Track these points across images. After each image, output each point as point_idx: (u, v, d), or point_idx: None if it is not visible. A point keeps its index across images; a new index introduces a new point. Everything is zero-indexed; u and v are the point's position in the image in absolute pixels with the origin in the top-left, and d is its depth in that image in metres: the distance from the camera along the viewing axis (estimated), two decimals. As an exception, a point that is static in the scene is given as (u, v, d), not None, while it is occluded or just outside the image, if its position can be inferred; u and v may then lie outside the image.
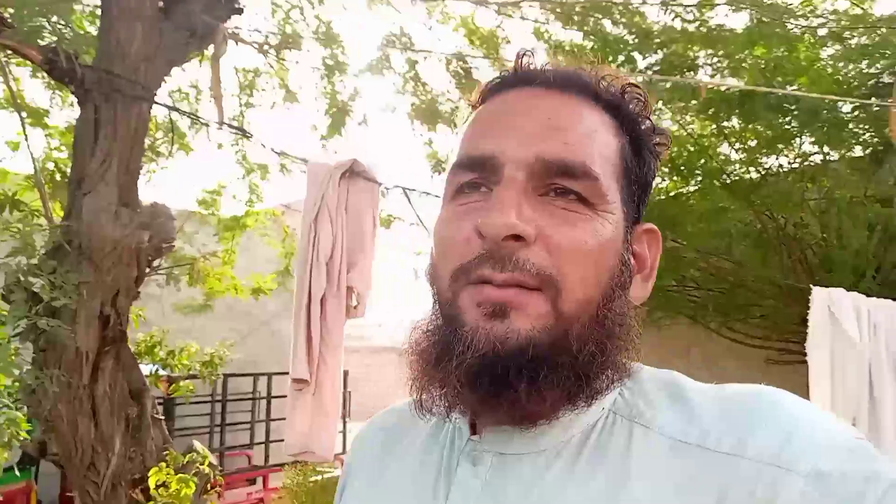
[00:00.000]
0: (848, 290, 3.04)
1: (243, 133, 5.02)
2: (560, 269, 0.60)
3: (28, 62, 3.74)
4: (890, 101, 4.19)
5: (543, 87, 0.66)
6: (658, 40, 5.38)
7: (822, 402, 2.98)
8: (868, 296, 3.09)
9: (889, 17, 4.86)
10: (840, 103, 4.59)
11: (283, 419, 3.20)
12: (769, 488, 0.52)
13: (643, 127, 0.70)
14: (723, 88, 4.92)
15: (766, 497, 0.52)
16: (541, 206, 0.61)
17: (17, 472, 4.25)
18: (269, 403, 8.06)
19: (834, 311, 2.92)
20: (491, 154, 0.63)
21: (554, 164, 0.62)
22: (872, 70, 4.93)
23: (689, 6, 5.20)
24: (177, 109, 4.84)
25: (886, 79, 4.78)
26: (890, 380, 2.89)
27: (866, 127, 4.95)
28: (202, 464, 3.56)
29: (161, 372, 5.64)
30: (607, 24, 5.64)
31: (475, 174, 0.65)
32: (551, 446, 0.63)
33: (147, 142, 3.93)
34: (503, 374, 0.58)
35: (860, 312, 2.93)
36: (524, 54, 0.69)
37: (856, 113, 4.84)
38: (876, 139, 4.93)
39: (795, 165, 5.46)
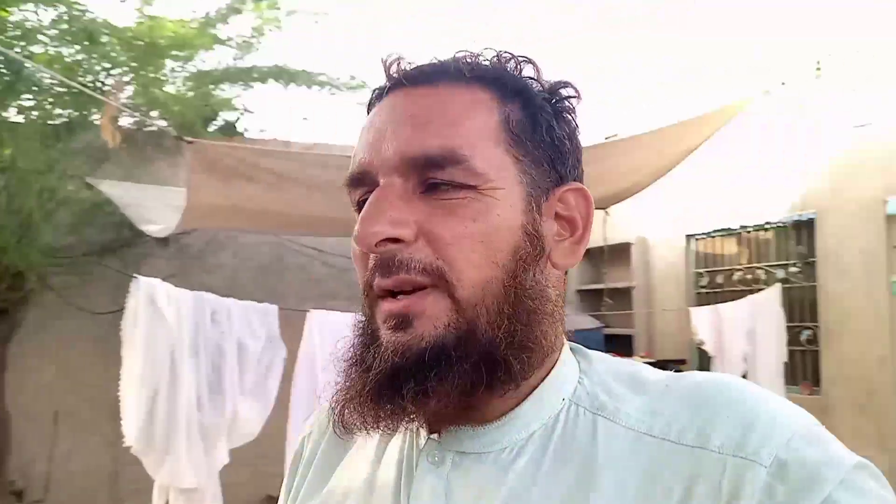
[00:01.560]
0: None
1: None
2: (447, 258, 0.60)
3: None
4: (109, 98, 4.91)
5: (408, 86, 0.66)
6: None
7: (132, 373, 3.49)
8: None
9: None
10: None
11: None
12: (734, 479, 0.53)
13: (536, 89, 0.68)
14: None
15: (731, 488, 0.53)
16: (421, 203, 0.61)
17: None
18: None
19: (154, 297, 3.50)
20: (365, 168, 0.64)
21: (417, 159, 0.61)
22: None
23: None
24: None
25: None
26: (187, 357, 3.62)
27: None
28: None
29: None
30: None
31: (362, 188, 0.65)
32: (513, 443, 0.63)
33: None
34: (403, 383, 0.58)
35: (170, 299, 3.59)
36: (392, 62, 0.68)
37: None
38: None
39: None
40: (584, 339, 6.46)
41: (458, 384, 0.59)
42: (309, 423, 0.85)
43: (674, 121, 5.79)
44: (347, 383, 0.63)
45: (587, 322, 6.82)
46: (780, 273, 6.10)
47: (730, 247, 6.76)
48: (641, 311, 7.35)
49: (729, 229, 6.63)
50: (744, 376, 4.85)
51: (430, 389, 0.58)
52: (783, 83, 6.00)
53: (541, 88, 0.69)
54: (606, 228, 6.08)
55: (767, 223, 6.26)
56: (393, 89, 0.67)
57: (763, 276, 6.30)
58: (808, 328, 5.83)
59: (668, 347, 6.96)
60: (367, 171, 0.64)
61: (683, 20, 6.92)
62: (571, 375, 0.67)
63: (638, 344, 7.31)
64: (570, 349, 0.70)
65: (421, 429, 0.67)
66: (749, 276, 6.43)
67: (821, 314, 5.69)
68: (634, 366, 0.69)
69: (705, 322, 5.05)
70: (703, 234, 6.92)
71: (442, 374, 0.58)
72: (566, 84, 0.70)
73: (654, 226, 7.26)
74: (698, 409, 0.59)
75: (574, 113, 0.71)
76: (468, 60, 0.67)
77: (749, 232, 6.50)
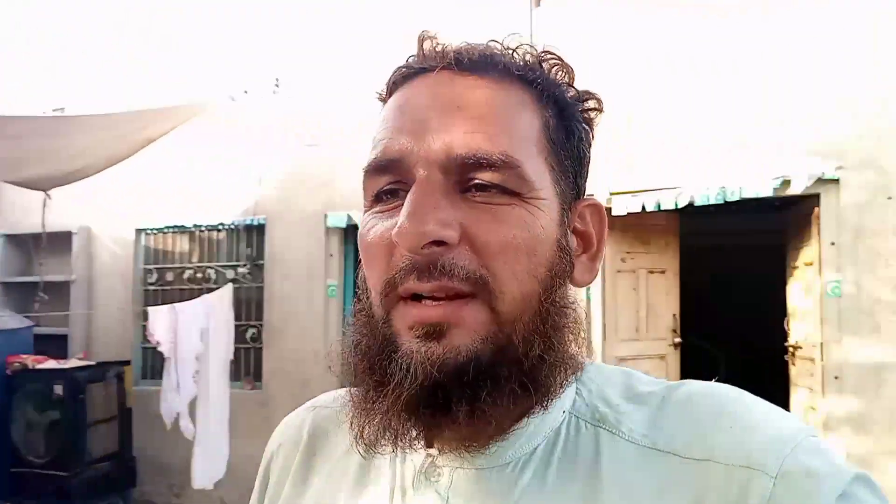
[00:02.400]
0: None
1: None
2: (491, 268, 0.56)
3: None
4: None
5: (449, 70, 0.61)
6: None
7: None
8: None
9: None
10: None
11: None
12: (741, 490, 0.54)
13: (568, 96, 0.65)
14: None
15: (738, 497, 0.53)
16: (463, 203, 0.57)
17: None
18: None
19: None
20: (399, 155, 0.59)
21: (467, 157, 0.57)
22: None
23: None
24: None
25: None
26: None
27: None
28: None
29: None
30: None
31: (390, 177, 0.60)
32: (516, 458, 0.61)
33: None
34: (444, 401, 0.54)
35: None
36: (426, 38, 0.63)
37: None
38: None
39: None
40: (7, 341, 5.55)
41: (508, 406, 0.56)
42: (278, 434, 0.80)
43: (136, 107, 5.45)
44: (366, 398, 0.58)
45: (15, 321, 5.77)
46: (231, 273, 6.31)
47: (182, 244, 6.67)
48: (81, 311, 6.63)
49: (182, 226, 6.54)
50: (196, 374, 4.84)
51: (486, 409, 0.55)
52: (246, 91, 6.27)
53: (572, 96, 0.66)
54: (46, 214, 5.28)
55: (221, 224, 6.40)
56: (430, 71, 0.62)
57: (213, 276, 6.41)
58: (254, 326, 6.18)
59: (111, 348, 6.45)
60: (402, 160, 0.58)
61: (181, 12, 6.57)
62: (570, 386, 0.64)
63: (74, 345, 6.56)
64: None
65: (416, 442, 0.61)
66: (200, 275, 6.46)
67: (266, 313, 6.10)
68: (625, 373, 0.67)
69: (162, 322, 4.84)
70: (155, 229, 6.65)
71: (495, 394, 0.55)
72: (592, 95, 0.67)
73: (101, 216, 6.65)
74: (700, 421, 0.58)
75: (593, 126, 0.68)
76: (513, 56, 0.63)
77: (202, 231, 6.54)
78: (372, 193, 0.62)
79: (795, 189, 4.77)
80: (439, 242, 0.55)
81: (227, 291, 5.44)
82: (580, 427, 0.62)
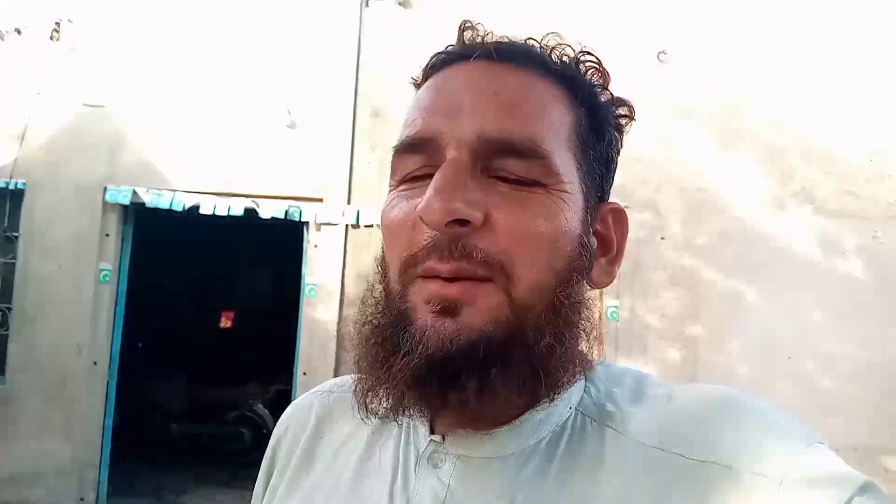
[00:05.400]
0: None
1: None
2: (511, 253, 0.56)
3: None
4: None
5: (487, 60, 0.61)
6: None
7: None
8: None
9: None
10: None
11: None
12: (746, 493, 0.53)
13: (602, 99, 0.66)
14: None
15: (743, 502, 0.53)
16: (489, 186, 0.58)
17: None
18: None
19: None
20: (431, 135, 0.59)
21: (498, 142, 0.58)
22: None
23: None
24: None
25: None
26: None
27: None
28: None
29: None
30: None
31: (419, 158, 0.60)
32: (520, 450, 0.60)
33: None
34: (453, 374, 0.54)
35: None
36: (466, 27, 0.64)
37: None
38: None
39: None
40: None
41: (517, 388, 0.57)
42: (286, 417, 0.80)
43: None
44: (375, 365, 0.58)
45: None
46: (-29, 243, 5.26)
47: None
48: None
49: None
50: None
51: (495, 388, 0.55)
52: (18, 31, 5.32)
53: (606, 100, 0.67)
54: None
55: (-36, 183, 5.31)
56: (468, 58, 0.62)
57: (-52, 244, 5.31)
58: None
59: None
60: (433, 140, 0.59)
61: None
62: (578, 383, 0.64)
63: None
64: None
65: (421, 427, 0.65)
66: (-73, 242, 5.30)
67: (16, 296, 5.17)
68: (635, 375, 0.67)
69: None
70: None
71: (505, 375, 0.56)
72: (625, 102, 0.68)
73: None
74: (707, 423, 0.58)
75: (623, 133, 0.69)
76: (544, 48, 0.64)
77: (-65, 188, 5.38)
78: (402, 175, 0.62)
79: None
80: (463, 222, 0.55)
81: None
82: (586, 424, 0.62)
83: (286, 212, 5.24)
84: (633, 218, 5.21)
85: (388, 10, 5.62)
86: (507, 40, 0.64)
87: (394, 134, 0.63)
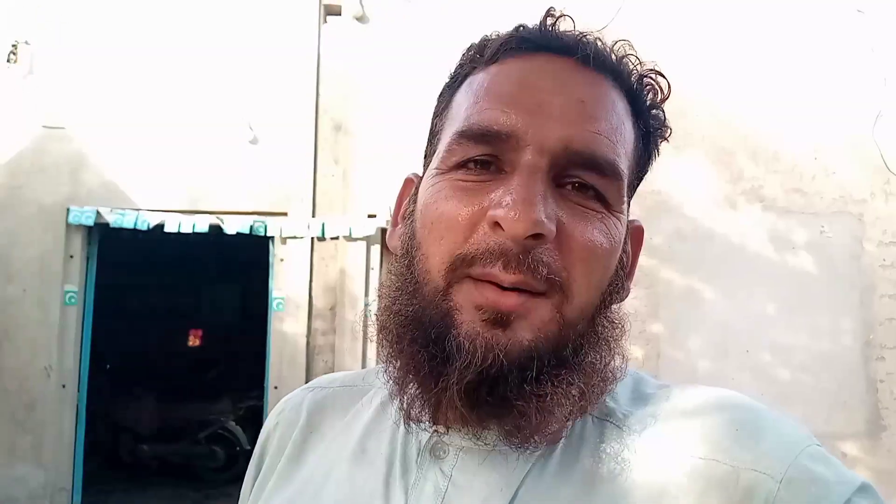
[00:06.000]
0: None
1: None
2: (571, 272, 0.56)
3: None
4: None
5: (574, 60, 0.59)
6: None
7: None
8: None
9: None
10: None
11: None
12: (745, 491, 0.54)
13: (654, 118, 0.64)
14: None
15: (742, 499, 0.54)
16: (560, 198, 0.57)
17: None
18: None
19: None
20: (511, 131, 0.56)
21: (583, 155, 0.56)
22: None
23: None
24: None
25: None
26: None
27: None
28: None
29: None
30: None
31: (487, 148, 0.57)
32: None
33: None
34: (506, 392, 0.54)
35: None
36: (556, 15, 0.61)
37: None
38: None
39: None
40: None
41: (570, 407, 0.56)
42: (276, 413, 0.79)
43: None
44: (420, 371, 0.56)
45: None
46: (-69, 270, 5.20)
47: None
48: None
49: None
50: None
51: (553, 409, 0.55)
52: None
53: (657, 121, 0.65)
54: None
55: (-78, 209, 5.26)
56: (546, 51, 0.60)
57: None
58: (-37, 335, 5.15)
59: None
60: (510, 137, 0.56)
61: None
62: None
63: None
64: None
65: (421, 421, 0.62)
66: None
67: (-20, 320, 5.13)
68: (634, 375, 0.67)
69: None
70: None
71: (560, 393, 0.55)
72: (668, 126, 0.66)
73: None
74: (707, 422, 0.58)
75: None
76: (622, 64, 0.62)
77: None
78: (459, 159, 0.59)
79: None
80: (537, 235, 0.54)
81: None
82: (586, 420, 0.62)
83: (251, 227, 5.28)
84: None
85: (345, 24, 5.70)
86: (591, 42, 0.61)
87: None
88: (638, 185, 0.67)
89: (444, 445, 0.62)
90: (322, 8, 5.75)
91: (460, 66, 0.66)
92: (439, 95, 0.69)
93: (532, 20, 0.64)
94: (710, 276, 5.23)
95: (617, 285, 0.62)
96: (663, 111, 0.66)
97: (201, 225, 5.26)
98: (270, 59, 5.49)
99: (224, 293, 9.32)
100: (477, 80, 0.62)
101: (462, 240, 0.56)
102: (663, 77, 0.65)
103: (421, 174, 0.67)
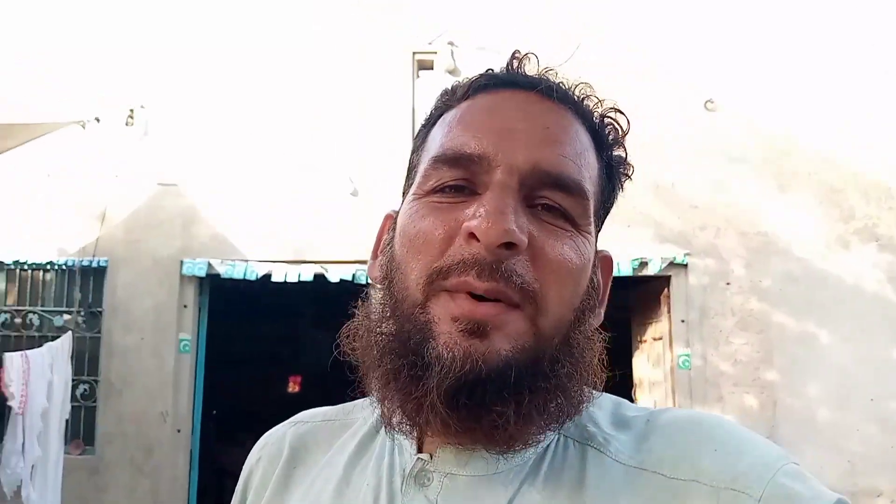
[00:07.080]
0: None
1: None
2: (543, 284, 0.58)
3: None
4: None
5: (537, 93, 0.63)
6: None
7: None
8: None
9: None
10: None
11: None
12: None
13: (615, 154, 0.68)
14: None
15: None
16: (531, 215, 0.59)
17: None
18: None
19: None
20: (483, 153, 0.60)
21: (551, 175, 0.60)
22: None
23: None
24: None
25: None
26: None
27: None
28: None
29: None
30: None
31: (461, 173, 0.61)
32: (507, 469, 0.61)
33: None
34: (484, 397, 0.55)
35: None
36: (520, 56, 0.66)
37: None
38: None
39: None
40: None
41: (548, 416, 0.58)
42: (258, 448, 0.79)
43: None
44: (400, 378, 0.58)
45: None
46: (59, 320, 5.53)
47: (-6, 283, 5.74)
48: None
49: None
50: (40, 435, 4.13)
51: (532, 415, 0.56)
52: (98, 119, 5.67)
53: (617, 157, 0.69)
54: None
55: (50, 263, 5.62)
56: (512, 86, 0.65)
57: (37, 322, 5.57)
58: (87, 382, 5.42)
59: None
60: (482, 158, 0.60)
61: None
62: None
63: None
64: None
65: (407, 446, 0.65)
66: (18, 321, 5.58)
67: (102, 368, 5.40)
68: (614, 400, 0.69)
69: (16, 371, 4.03)
70: (-40, 263, 5.67)
71: (538, 402, 0.57)
72: (630, 164, 0.70)
73: None
74: (686, 444, 0.60)
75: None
76: (581, 96, 0.66)
77: (25, 269, 5.69)
78: (434, 183, 0.62)
79: (651, 270, 5.27)
80: (510, 245, 0.56)
81: (67, 341, 4.74)
82: (568, 444, 0.64)
83: (353, 275, 5.40)
84: (695, 264, 5.24)
85: (437, 78, 5.86)
86: (555, 78, 0.66)
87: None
88: (605, 216, 0.70)
89: (428, 472, 0.63)
90: (415, 63, 5.96)
91: (436, 108, 0.70)
92: (416, 136, 0.73)
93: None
94: (825, 320, 5.01)
95: (590, 304, 0.64)
96: (625, 148, 0.70)
97: (306, 274, 5.41)
98: (368, 115, 5.69)
99: (323, 340, 9.46)
100: (450, 115, 0.66)
101: (438, 254, 0.59)
102: (623, 115, 0.69)
103: (399, 209, 0.70)
